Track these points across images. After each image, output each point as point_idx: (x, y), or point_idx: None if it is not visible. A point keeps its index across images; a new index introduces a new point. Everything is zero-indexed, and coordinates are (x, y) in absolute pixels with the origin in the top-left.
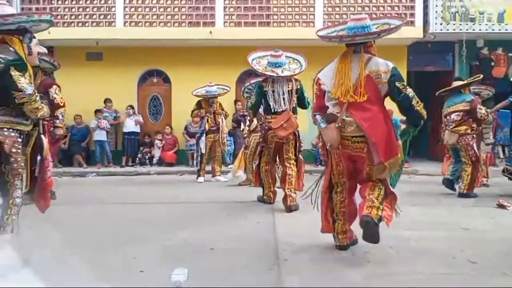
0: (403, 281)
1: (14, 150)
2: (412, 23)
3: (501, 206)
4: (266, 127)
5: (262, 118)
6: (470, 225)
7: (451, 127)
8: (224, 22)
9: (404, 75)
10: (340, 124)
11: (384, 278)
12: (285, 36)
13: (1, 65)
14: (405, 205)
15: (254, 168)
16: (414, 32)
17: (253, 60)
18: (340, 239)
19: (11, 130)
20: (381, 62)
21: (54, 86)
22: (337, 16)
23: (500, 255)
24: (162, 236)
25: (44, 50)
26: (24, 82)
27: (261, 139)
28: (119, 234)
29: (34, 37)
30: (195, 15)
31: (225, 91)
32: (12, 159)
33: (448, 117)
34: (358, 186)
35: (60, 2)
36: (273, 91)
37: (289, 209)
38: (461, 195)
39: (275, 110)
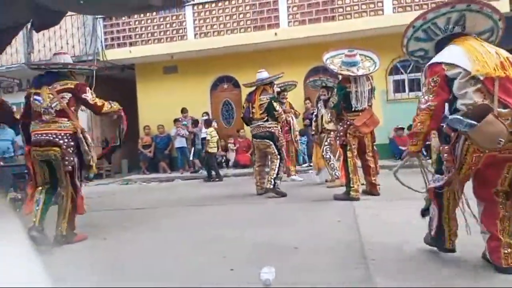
0: (498, 281)
1: (280, 135)
2: None
3: None
4: (348, 123)
5: (344, 116)
6: None
7: None
8: (289, 22)
9: None
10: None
11: (477, 279)
12: (352, 28)
13: (268, 100)
14: None
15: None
16: (499, 6)
17: (326, 60)
18: (454, 240)
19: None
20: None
21: None
22: (408, 0)
23: None
24: (247, 236)
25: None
26: (278, 107)
27: (341, 133)
28: (207, 234)
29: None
30: (259, 19)
31: (293, 85)
32: (279, 141)
33: None
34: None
35: (137, 22)
36: (356, 91)
37: (378, 194)
38: None
39: (356, 109)
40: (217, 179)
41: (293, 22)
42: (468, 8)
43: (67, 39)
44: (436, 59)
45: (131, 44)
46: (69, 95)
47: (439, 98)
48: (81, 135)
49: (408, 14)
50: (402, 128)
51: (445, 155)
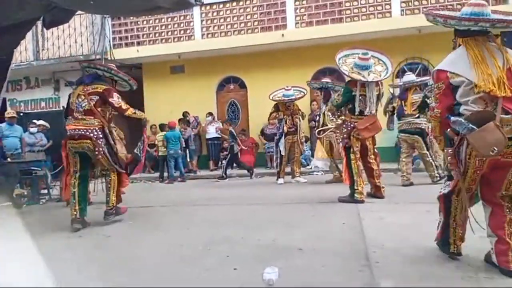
0: (501, 284)
1: (429, 131)
2: (504, 0)
3: None
4: (351, 126)
5: (347, 118)
6: None
7: None
8: (296, 23)
9: None
10: (498, 123)
11: (480, 282)
12: (359, 30)
13: (420, 98)
14: None
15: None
16: (506, 9)
17: (339, 59)
18: (459, 245)
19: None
20: None
21: None
22: (416, 3)
23: None
24: (252, 236)
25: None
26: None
27: (345, 135)
28: (212, 234)
29: None
30: (266, 20)
31: (302, 94)
32: (427, 137)
33: None
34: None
35: (145, 22)
36: (361, 95)
37: (383, 197)
38: None
39: (361, 113)
40: (160, 179)
41: (300, 23)
42: (492, 26)
43: (75, 38)
44: (443, 65)
45: (138, 44)
46: (97, 97)
47: (442, 105)
48: (107, 130)
49: (416, 17)
50: None
51: (449, 158)
